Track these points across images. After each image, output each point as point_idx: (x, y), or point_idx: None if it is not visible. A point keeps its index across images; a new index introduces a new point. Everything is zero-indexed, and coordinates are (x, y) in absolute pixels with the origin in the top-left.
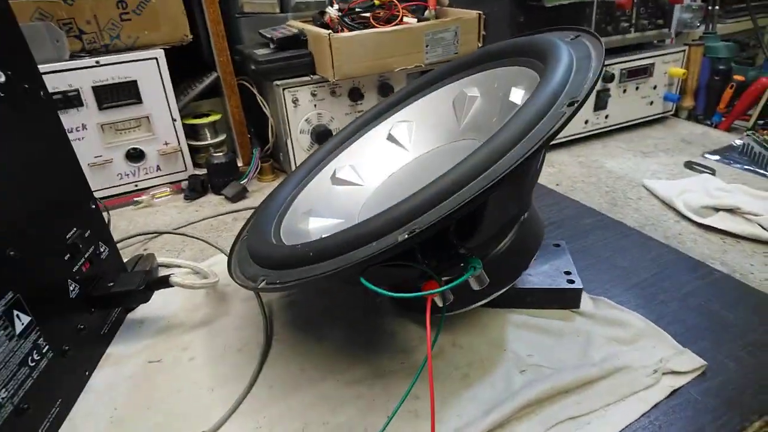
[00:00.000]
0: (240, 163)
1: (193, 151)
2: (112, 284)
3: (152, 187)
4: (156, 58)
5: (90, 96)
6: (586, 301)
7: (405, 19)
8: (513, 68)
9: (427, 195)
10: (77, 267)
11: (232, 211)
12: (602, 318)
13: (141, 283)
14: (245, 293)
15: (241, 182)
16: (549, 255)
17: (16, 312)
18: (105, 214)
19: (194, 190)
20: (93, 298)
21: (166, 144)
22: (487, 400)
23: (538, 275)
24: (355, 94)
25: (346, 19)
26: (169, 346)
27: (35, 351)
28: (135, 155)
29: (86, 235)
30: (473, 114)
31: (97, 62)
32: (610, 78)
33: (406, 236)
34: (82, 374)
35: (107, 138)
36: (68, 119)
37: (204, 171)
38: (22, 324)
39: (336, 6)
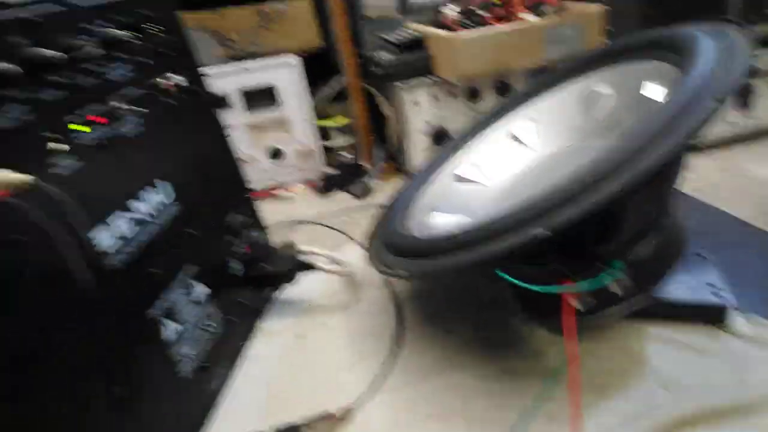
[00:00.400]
0: (364, 163)
1: (325, 150)
2: (266, 266)
3: (290, 182)
4: (292, 64)
5: (238, 99)
6: (735, 318)
7: (523, 16)
8: (647, 63)
9: (565, 190)
10: (238, 248)
11: (360, 207)
12: (760, 339)
13: (291, 265)
14: (376, 281)
15: (366, 181)
16: (691, 265)
17: (195, 282)
18: None
19: (325, 186)
20: (251, 277)
21: (302, 144)
22: (626, 413)
23: (680, 287)
24: (473, 94)
25: (464, 20)
26: (312, 325)
27: (211, 318)
28: (275, 153)
29: (244, 220)
30: (605, 112)
31: (244, 68)
32: (757, 73)
33: (543, 231)
34: (242, 343)
35: (253, 137)
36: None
37: (334, 170)
38: (201, 293)
39: (453, 6)
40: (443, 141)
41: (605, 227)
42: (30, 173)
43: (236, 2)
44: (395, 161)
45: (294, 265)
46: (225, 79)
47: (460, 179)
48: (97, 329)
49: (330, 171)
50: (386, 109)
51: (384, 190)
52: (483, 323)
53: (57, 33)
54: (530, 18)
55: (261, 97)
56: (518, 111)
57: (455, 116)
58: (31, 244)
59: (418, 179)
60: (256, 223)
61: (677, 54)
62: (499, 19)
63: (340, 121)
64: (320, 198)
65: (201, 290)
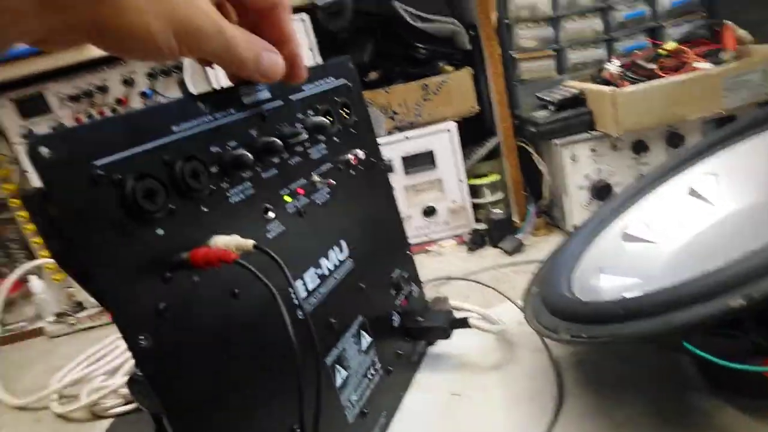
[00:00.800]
0: (516, 219)
1: (474, 207)
2: (422, 319)
3: (440, 239)
4: (449, 130)
5: (399, 164)
6: None
7: (696, 65)
8: None
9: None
10: (398, 301)
11: (510, 264)
12: None
13: (445, 321)
14: (532, 343)
15: (518, 236)
16: None
17: (363, 332)
18: None
19: (475, 242)
20: (407, 329)
21: (454, 202)
22: None
23: None
24: (639, 147)
25: (628, 74)
26: (467, 384)
27: (372, 367)
28: (429, 212)
29: (404, 275)
30: None
31: (406, 138)
32: None
33: (742, 302)
34: (399, 393)
35: (409, 197)
36: None
37: (484, 225)
38: (367, 342)
39: (616, 61)
40: (606, 196)
41: None
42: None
43: (404, 79)
44: (548, 217)
45: (449, 321)
46: (389, 147)
47: (630, 238)
48: (288, 372)
49: (480, 227)
50: (541, 165)
51: (536, 246)
52: (655, 395)
53: (278, 122)
54: (706, 66)
55: (418, 161)
56: (696, 164)
57: (619, 170)
58: (253, 296)
59: (581, 237)
60: (413, 278)
61: None
62: (669, 70)
63: (491, 178)
64: (470, 254)
65: (366, 340)
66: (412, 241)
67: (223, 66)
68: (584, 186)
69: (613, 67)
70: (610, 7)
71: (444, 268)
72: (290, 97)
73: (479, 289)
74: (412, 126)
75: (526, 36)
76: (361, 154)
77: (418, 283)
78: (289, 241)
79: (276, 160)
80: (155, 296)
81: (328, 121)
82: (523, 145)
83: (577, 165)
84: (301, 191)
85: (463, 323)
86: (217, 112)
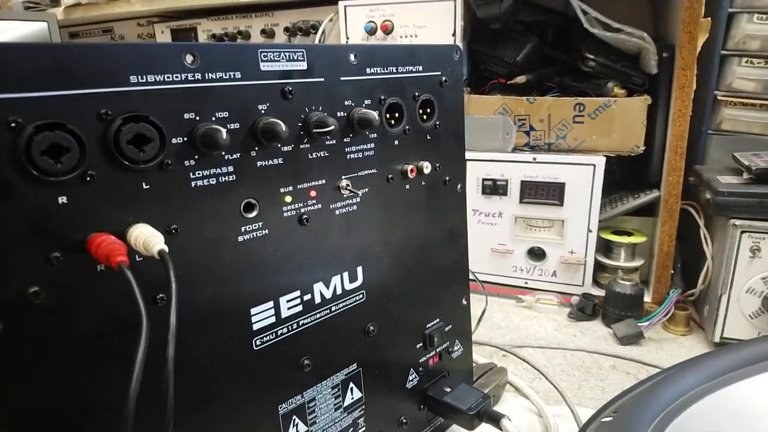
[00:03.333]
0: (648, 299)
1: (599, 267)
2: (449, 390)
3: (541, 290)
4: (594, 165)
5: (516, 188)
6: None
7: None
8: None
9: None
10: (425, 359)
11: (615, 356)
12: None
13: (474, 406)
14: None
15: (640, 323)
16: None
17: (352, 384)
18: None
19: (582, 310)
20: (426, 396)
21: (572, 253)
22: None
23: None
24: None
25: None
26: None
27: (353, 428)
28: (537, 253)
29: (447, 329)
30: None
31: (533, 159)
32: None
33: None
34: None
35: (517, 230)
36: (490, 204)
37: (602, 293)
38: (353, 398)
39: None
40: None
41: None
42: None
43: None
44: (693, 311)
45: (477, 409)
46: (510, 165)
47: None
48: (222, 410)
49: (595, 293)
50: (707, 245)
51: (662, 345)
52: None
53: (307, 104)
54: None
55: (542, 191)
56: None
57: None
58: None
59: (715, 366)
60: (461, 335)
61: None
62: None
63: (635, 239)
64: (570, 322)
65: (354, 395)
66: (505, 280)
67: None
68: (758, 292)
69: None
70: None
71: (529, 327)
72: (341, 77)
73: (561, 368)
74: (549, 148)
75: (744, 75)
76: (427, 166)
77: (467, 341)
78: (268, 251)
79: (287, 147)
80: (27, 277)
81: (377, 118)
82: (692, 211)
83: (756, 261)
84: (313, 193)
85: (494, 420)
86: (210, 71)
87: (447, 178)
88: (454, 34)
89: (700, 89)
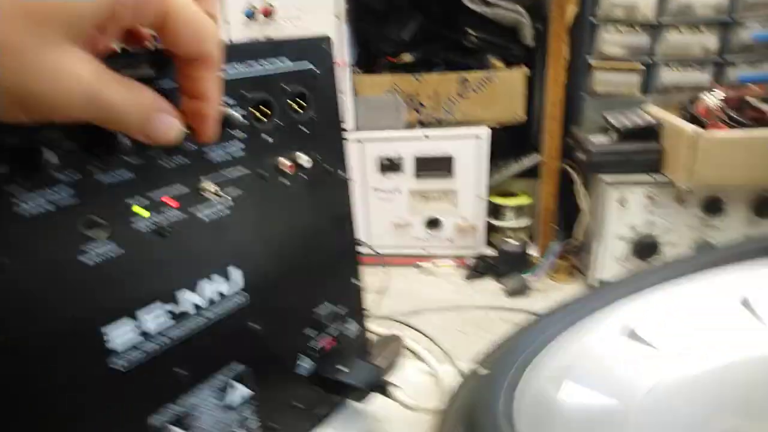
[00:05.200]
0: (534, 254)
1: (491, 229)
2: (343, 368)
3: (440, 256)
4: (479, 136)
5: (410, 165)
6: None
7: None
8: None
9: None
10: (314, 343)
11: (502, 308)
12: None
13: (364, 381)
14: None
15: (526, 275)
16: None
17: (235, 383)
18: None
19: (477, 270)
20: (321, 378)
21: (464, 219)
22: None
23: None
24: (713, 207)
25: (730, 112)
26: None
27: (243, 425)
28: (432, 223)
29: (338, 311)
30: None
31: (425, 136)
32: None
33: None
34: None
35: (414, 203)
36: (387, 181)
37: (493, 253)
38: (240, 396)
39: (719, 93)
40: (650, 256)
41: None
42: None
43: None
44: (574, 262)
45: (369, 382)
46: (403, 143)
47: (637, 340)
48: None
49: (489, 254)
50: (583, 200)
51: (547, 293)
52: None
53: None
54: None
55: (434, 165)
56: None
57: (677, 229)
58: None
59: (571, 314)
60: (354, 315)
61: None
62: None
63: (520, 200)
64: (466, 282)
65: (241, 393)
66: (406, 250)
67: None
68: (626, 237)
69: (713, 99)
70: (736, 22)
71: (428, 291)
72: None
73: (457, 323)
74: (439, 123)
75: (612, 41)
76: (304, 159)
77: (361, 319)
78: (121, 268)
79: (136, 159)
80: None
81: (239, 116)
82: (570, 171)
83: (624, 211)
84: (173, 203)
85: (382, 390)
86: None
87: (328, 167)
88: (338, 16)
89: (576, 57)
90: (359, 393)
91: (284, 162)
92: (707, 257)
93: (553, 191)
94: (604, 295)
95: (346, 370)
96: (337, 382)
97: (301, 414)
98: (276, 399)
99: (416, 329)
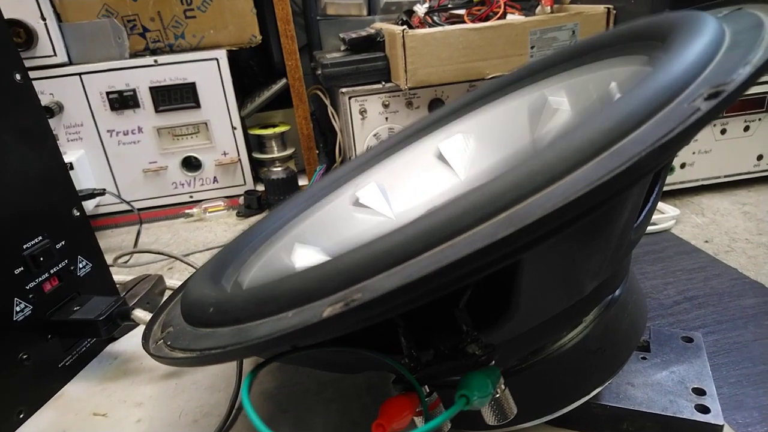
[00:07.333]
0: (304, 182)
1: (259, 164)
2: (77, 308)
3: (207, 200)
4: (217, 59)
5: (147, 97)
6: None
7: (509, 16)
8: (621, 59)
9: (395, 241)
10: (33, 284)
11: None
12: None
13: (103, 312)
14: None
15: None
16: (674, 355)
17: None
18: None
19: (249, 206)
20: (50, 322)
21: (225, 154)
22: None
23: (648, 389)
24: (436, 107)
25: (434, 17)
26: (121, 398)
27: None
28: (192, 164)
29: (58, 246)
30: (554, 127)
31: (155, 61)
32: None
33: (338, 310)
34: (11, 414)
35: (163, 143)
36: (124, 120)
37: (263, 187)
38: None
39: (426, 3)
40: None
41: (491, 303)
42: None
43: None
44: None
45: (109, 313)
46: (132, 71)
47: (362, 207)
48: None
49: (259, 188)
50: (334, 119)
51: None
52: (351, 410)
53: None
54: (516, 18)
55: (175, 95)
56: (455, 121)
57: None
58: None
59: (303, 199)
60: (83, 251)
61: (662, 41)
62: (478, 19)
63: (279, 129)
64: (239, 219)
65: None
66: (168, 200)
67: None
68: (371, 147)
69: (421, 9)
70: None
71: (200, 237)
72: None
73: None
74: (172, 50)
75: None
76: None
77: (95, 257)
78: None
79: None
80: None
81: None
82: (320, 93)
83: (366, 121)
84: None
85: (125, 317)
86: None
87: None
88: None
89: None
90: (99, 326)
91: None
92: (402, 138)
93: (305, 115)
94: (331, 179)
95: (76, 308)
96: (71, 322)
97: (37, 368)
98: None
99: (182, 260)
